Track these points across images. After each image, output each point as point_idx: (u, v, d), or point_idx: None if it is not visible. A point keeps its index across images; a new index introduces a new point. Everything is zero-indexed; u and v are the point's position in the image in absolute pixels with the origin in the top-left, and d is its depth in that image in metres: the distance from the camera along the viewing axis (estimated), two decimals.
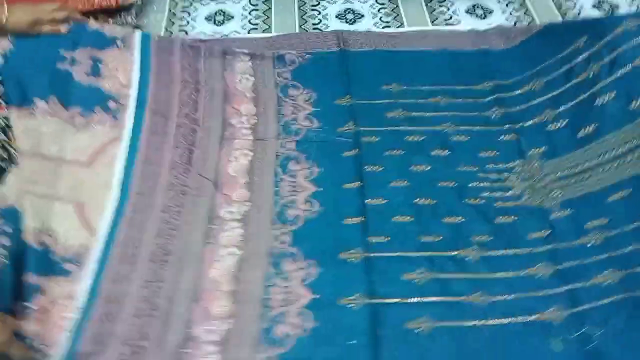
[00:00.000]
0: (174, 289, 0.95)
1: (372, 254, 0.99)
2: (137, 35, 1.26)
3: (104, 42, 1.19)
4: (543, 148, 1.15)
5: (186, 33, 1.51)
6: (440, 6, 1.60)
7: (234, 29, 1.53)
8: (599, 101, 1.13)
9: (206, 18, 1.56)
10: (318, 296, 0.94)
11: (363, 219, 1.04)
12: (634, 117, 1.08)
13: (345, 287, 0.96)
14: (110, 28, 1.24)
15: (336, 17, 1.58)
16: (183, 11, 1.58)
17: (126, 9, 1.48)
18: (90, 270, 0.95)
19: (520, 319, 0.92)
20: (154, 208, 1.04)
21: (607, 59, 1.15)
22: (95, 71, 1.15)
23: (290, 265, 0.98)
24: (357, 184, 1.09)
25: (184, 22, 1.55)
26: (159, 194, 1.05)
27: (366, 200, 1.06)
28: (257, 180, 1.09)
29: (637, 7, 1.59)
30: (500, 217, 1.05)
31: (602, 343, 0.87)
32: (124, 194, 1.05)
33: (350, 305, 0.94)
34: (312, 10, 1.59)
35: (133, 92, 1.16)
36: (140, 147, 1.10)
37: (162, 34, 1.50)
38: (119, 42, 1.22)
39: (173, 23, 1.55)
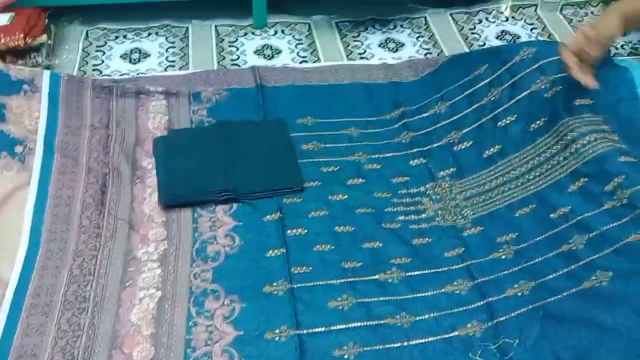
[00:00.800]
0: (92, 337, 0.91)
1: (295, 285, 0.99)
2: (46, 76, 1.24)
3: (9, 87, 1.17)
4: (451, 169, 1.21)
5: (100, 72, 1.49)
6: (354, 41, 1.67)
7: (150, 67, 1.52)
8: (501, 123, 1.20)
9: (121, 56, 1.55)
10: (242, 332, 0.93)
11: (284, 251, 1.04)
12: (533, 138, 1.17)
13: (270, 320, 0.95)
14: (16, 70, 1.21)
15: (254, 52, 1.60)
16: (97, 50, 1.56)
17: (36, 49, 1.45)
18: (0, 325, 0.90)
19: (442, 336, 0.94)
20: (67, 253, 1.00)
21: (508, 84, 1.23)
22: None
23: (213, 303, 0.96)
24: (277, 215, 1.10)
25: (99, 61, 1.52)
26: (72, 237, 1.02)
27: (287, 232, 1.07)
28: (174, 218, 1.08)
29: (536, 37, 1.72)
30: (417, 238, 1.08)
31: (517, 354, 0.90)
32: (35, 240, 1.01)
33: (276, 339, 0.93)
34: (230, 46, 1.61)
35: (41, 136, 1.12)
36: (50, 190, 1.07)
37: (75, 73, 1.47)
38: (25, 86, 1.18)
39: (87, 62, 1.52)
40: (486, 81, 1.26)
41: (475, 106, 1.25)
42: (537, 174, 1.12)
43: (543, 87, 1.18)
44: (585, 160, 1.06)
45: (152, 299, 0.96)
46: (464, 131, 1.23)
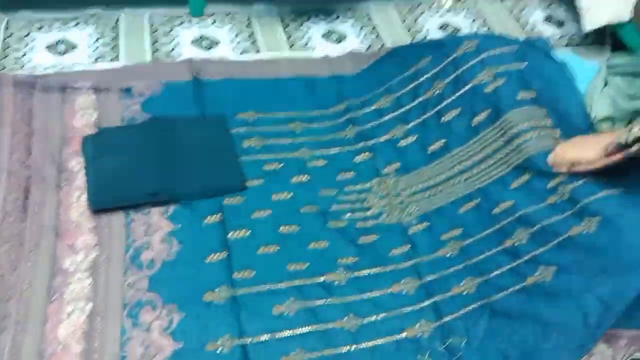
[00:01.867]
0: (15, 357, 0.83)
1: (238, 291, 0.95)
2: None
3: None
4: (396, 164, 1.19)
5: (22, 66, 1.37)
6: (297, 31, 1.62)
7: (78, 59, 1.41)
8: (445, 118, 1.19)
9: (46, 47, 1.44)
10: (181, 345, 0.88)
11: (226, 254, 0.99)
12: (477, 132, 1.16)
13: (212, 330, 0.90)
14: None
15: (191, 43, 1.53)
16: (19, 41, 1.44)
17: None
18: None
19: (390, 338, 0.92)
20: None
21: (450, 78, 1.22)
22: None
23: (149, 315, 0.90)
24: (217, 217, 1.04)
25: (21, 54, 1.41)
26: None
27: (228, 234, 1.02)
28: (105, 223, 1.01)
29: (476, 30, 1.73)
30: (363, 237, 1.06)
31: (465, 353, 0.90)
32: None
33: (218, 350, 0.88)
34: (165, 37, 1.53)
35: None
36: None
37: None
38: None
39: (7, 55, 1.40)
40: (429, 74, 1.25)
41: (419, 100, 1.23)
42: (482, 168, 1.12)
43: (485, 80, 1.17)
44: (527, 157, 1.06)
45: (82, 312, 0.89)
46: (409, 126, 1.22)
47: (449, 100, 1.20)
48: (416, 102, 1.24)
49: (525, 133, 1.07)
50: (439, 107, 1.21)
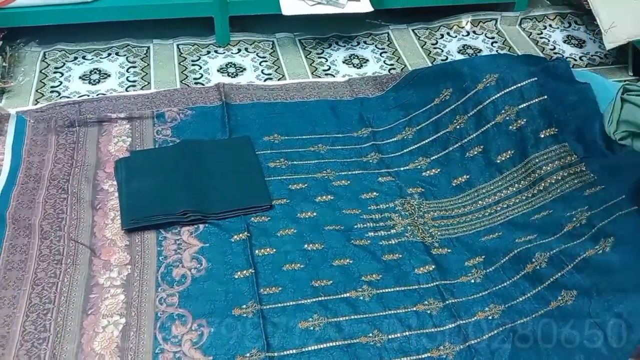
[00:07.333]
0: None
1: (265, 307, 0.97)
2: (12, 120, 1.24)
3: None
4: (421, 189, 1.21)
5: (59, 94, 1.45)
6: (318, 57, 1.67)
7: (110, 87, 1.48)
8: (468, 154, 1.22)
9: (81, 77, 1.51)
10: (211, 358, 0.90)
11: (253, 271, 1.02)
12: (501, 171, 1.19)
13: (241, 344, 0.92)
14: None
15: (218, 71, 1.59)
16: (55, 71, 1.52)
17: None
18: None
19: (414, 357, 0.93)
20: (25, 282, 0.96)
21: (472, 113, 1.24)
22: None
23: (180, 329, 0.93)
24: (244, 235, 1.07)
25: (57, 83, 1.48)
26: (31, 266, 0.98)
27: (255, 252, 1.05)
28: (138, 241, 1.05)
29: (497, 50, 1.75)
30: (387, 254, 1.08)
31: None
32: None
33: None
34: (193, 65, 1.59)
35: (4, 172, 1.12)
36: (7, 220, 1.03)
37: (32, 95, 1.43)
38: None
39: (44, 84, 1.48)
40: (451, 108, 1.27)
41: (440, 133, 1.27)
42: (505, 206, 1.14)
43: (507, 117, 1.19)
44: (552, 198, 1.08)
45: (116, 326, 0.93)
46: (432, 158, 1.25)
47: (472, 136, 1.23)
48: (438, 134, 1.27)
49: (551, 176, 1.11)
50: (462, 142, 1.23)
